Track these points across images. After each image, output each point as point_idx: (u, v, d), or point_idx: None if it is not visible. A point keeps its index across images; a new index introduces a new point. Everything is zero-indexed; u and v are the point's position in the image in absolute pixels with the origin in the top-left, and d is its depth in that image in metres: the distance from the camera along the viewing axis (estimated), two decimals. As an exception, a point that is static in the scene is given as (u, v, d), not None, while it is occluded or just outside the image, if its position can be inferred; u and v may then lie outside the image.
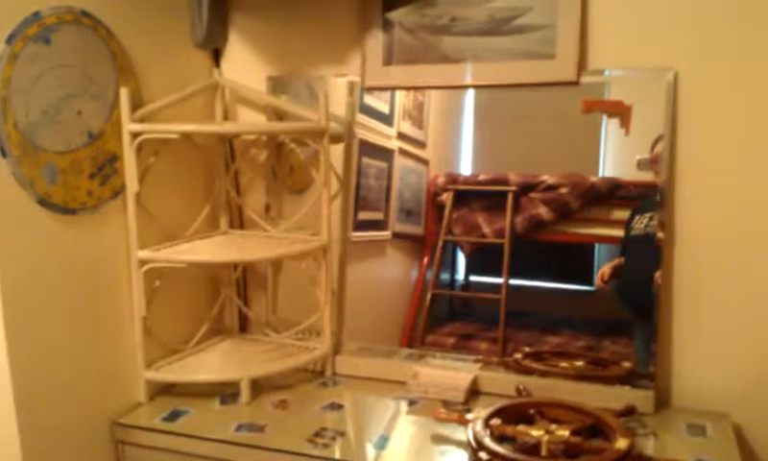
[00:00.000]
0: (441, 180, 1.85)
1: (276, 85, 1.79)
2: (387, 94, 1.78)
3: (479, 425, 1.33)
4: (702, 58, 1.45)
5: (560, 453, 1.26)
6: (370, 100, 1.77)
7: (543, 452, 1.27)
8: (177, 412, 1.52)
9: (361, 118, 1.76)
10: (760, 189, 1.44)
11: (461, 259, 1.90)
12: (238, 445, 1.39)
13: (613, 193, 1.64)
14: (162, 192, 1.61)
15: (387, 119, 1.81)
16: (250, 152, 1.83)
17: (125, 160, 1.50)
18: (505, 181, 1.77)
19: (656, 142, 1.52)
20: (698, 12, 1.44)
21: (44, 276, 1.33)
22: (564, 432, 1.30)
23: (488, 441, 1.27)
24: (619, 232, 1.63)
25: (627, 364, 1.56)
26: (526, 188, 1.74)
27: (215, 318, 1.83)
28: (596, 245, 1.74)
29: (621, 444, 1.24)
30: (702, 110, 1.46)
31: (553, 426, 1.33)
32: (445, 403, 1.53)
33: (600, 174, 1.67)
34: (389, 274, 1.93)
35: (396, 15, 1.66)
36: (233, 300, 1.86)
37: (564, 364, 1.60)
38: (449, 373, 1.62)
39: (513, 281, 1.77)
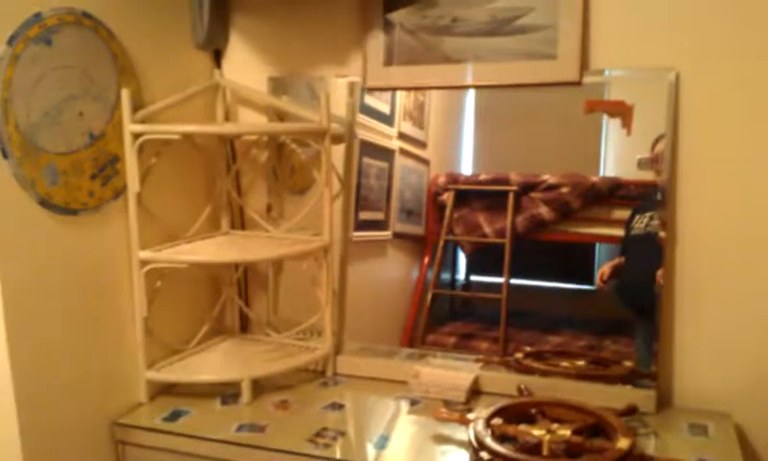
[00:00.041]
0: (441, 179, 1.85)
1: (277, 86, 1.79)
2: (387, 94, 1.78)
3: (480, 425, 1.33)
4: (703, 58, 1.45)
5: (561, 453, 1.26)
6: (370, 100, 1.77)
7: (545, 452, 1.26)
8: (177, 412, 1.52)
9: (362, 118, 1.76)
10: (761, 189, 1.44)
11: (461, 259, 1.91)
12: (239, 445, 1.39)
13: (614, 193, 1.64)
14: (163, 193, 1.61)
15: (388, 119, 1.81)
16: (251, 152, 1.83)
17: (126, 161, 1.50)
18: (506, 181, 1.77)
19: (656, 141, 1.52)
20: (699, 13, 1.44)
21: (45, 276, 1.33)
22: (565, 432, 1.30)
23: (489, 441, 1.27)
24: (620, 232, 1.63)
25: (628, 363, 1.56)
26: (527, 188, 1.75)
27: (216, 318, 1.83)
28: (597, 244, 1.74)
29: (623, 443, 1.24)
30: (703, 110, 1.46)
31: (554, 426, 1.33)
32: (447, 403, 1.53)
33: (601, 173, 1.67)
34: (390, 274, 1.93)
35: (396, 16, 1.66)
36: (234, 300, 1.86)
37: (565, 364, 1.60)
38: (450, 372, 1.62)
39: (513, 281, 1.77)
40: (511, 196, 1.76)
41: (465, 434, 1.36)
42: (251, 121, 1.84)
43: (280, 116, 1.79)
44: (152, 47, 1.58)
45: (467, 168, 1.86)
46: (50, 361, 1.35)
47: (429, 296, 1.84)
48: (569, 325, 1.78)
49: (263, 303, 1.87)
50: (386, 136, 1.82)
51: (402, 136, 1.84)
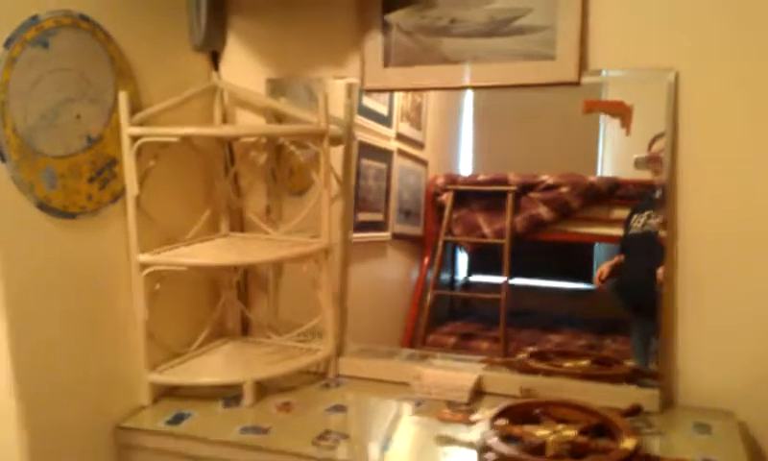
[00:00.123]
0: (440, 180, 1.85)
1: (276, 88, 1.79)
2: (385, 96, 1.78)
3: (485, 426, 1.33)
4: (702, 58, 1.45)
5: (566, 453, 1.26)
6: (368, 102, 1.76)
7: (550, 453, 1.26)
8: (180, 415, 1.52)
9: (360, 120, 1.76)
10: (762, 187, 1.44)
11: (461, 259, 1.91)
12: (243, 447, 1.38)
13: (613, 192, 1.65)
14: (162, 195, 1.61)
15: (386, 121, 1.81)
16: (249, 154, 1.82)
17: (124, 164, 1.49)
18: (505, 182, 1.77)
19: (653, 141, 1.52)
20: (698, 13, 1.44)
21: (46, 280, 1.32)
22: (570, 432, 1.30)
23: (494, 441, 1.27)
24: (619, 231, 1.64)
25: (631, 363, 1.56)
26: (526, 188, 1.75)
27: (217, 321, 1.82)
28: (596, 244, 1.74)
29: (628, 444, 1.24)
30: (702, 110, 1.46)
31: (559, 426, 1.33)
32: (449, 404, 1.53)
33: (599, 173, 1.68)
34: (389, 274, 1.93)
35: (394, 17, 1.66)
36: (235, 302, 1.85)
37: (568, 364, 1.60)
38: (453, 373, 1.61)
39: (513, 281, 1.77)
40: (510, 196, 1.76)
41: (468, 435, 1.36)
42: (249, 123, 1.83)
43: (278, 118, 1.78)
44: (149, 49, 1.57)
45: (465, 169, 1.86)
46: (52, 365, 1.34)
47: (429, 296, 1.84)
48: (569, 324, 1.78)
49: (264, 306, 1.86)
50: (384, 138, 1.82)
51: (400, 137, 1.84)
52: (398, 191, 1.86)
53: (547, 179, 1.73)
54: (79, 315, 1.41)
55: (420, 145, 1.88)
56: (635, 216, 1.60)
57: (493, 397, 1.56)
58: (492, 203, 1.79)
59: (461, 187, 1.83)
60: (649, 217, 1.55)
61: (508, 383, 1.57)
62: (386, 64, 1.68)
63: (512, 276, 1.77)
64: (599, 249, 1.74)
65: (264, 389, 1.61)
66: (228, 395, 1.59)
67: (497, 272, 1.78)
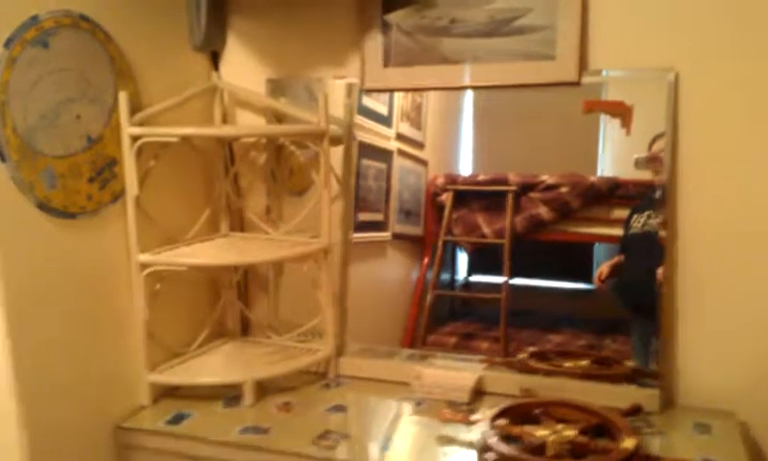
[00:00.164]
0: (440, 180, 1.85)
1: (276, 88, 1.78)
2: (385, 96, 1.78)
3: (485, 426, 1.33)
4: (702, 58, 1.45)
5: (566, 453, 1.26)
6: (368, 102, 1.76)
7: (550, 453, 1.26)
8: (180, 415, 1.52)
9: (360, 120, 1.76)
10: (762, 187, 1.44)
11: (461, 259, 1.91)
12: (243, 447, 1.38)
13: (613, 192, 1.65)
14: (162, 196, 1.61)
15: (385, 120, 1.81)
16: (249, 154, 1.82)
17: (125, 164, 1.49)
18: (504, 182, 1.77)
19: (653, 141, 1.52)
20: (698, 12, 1.44)
21: (46, 280, 1.32)
22: (570, 432, 1.30)
23: (494, 441, 1.27)
24: (619, 231, 1.64)
25: (631, 363, 1.56)
26: (526, 188, 1.75)
27: (217, 321, 1.82)
28: (596, 244, 1.74)
29: (628, 444, 1.24)
30: (703, 110, 1.46)
31: (559, 426, 1.33)
32: (450, 404, 1.53)
33: (598, 173, 1.68)
34: (389, 274, 1.93)
35: (394, 17, 1.66)
36: (235, 302, 1.85)
37: (568, 364, 1.60)
38: (453, 373, 1.61)
39: (513, 281, 1.77)
40: (510, 196, 1.76)
41: (468, 435, 1.36)
42: (249, 123, 1.83)
43: (279, 118, 1.78)
44: (149, 49, 1.57)
45: (465, 169, 1.86)
46: (52, 365, 1.34)
47: (429, 296, 1.84)
48: (569, 324, 1.78)
49: (264, 306, 1.86)
50: (384, 137, 1.82)
51: (400, 137, 1.84)
52: (398, 191, 1.86)
53: (547, 179, 1.73)
54: (79, 315, 1.41)
55: (420, 145, 1.88)
56: (635, 216, 1.60)
57: (494, 396, 1.56)
58: (491, 203, 1.79)
59: (461, 187, 1.83)
60: (649, 217, 1.55)
61: (508, 383, 1.57)
62: (386, 64, 1.68)
63: (512, 276, 1.77)
64: (599, 249, 1.74)
65: (264, 389, 1.61)
66: (229, 395, 1.58)
67: (497, 272, 1.78)
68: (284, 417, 1.50)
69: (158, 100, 1.58)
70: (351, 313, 1.76)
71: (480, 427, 1.34)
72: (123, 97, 1.47)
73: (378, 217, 1.86)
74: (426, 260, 1.86)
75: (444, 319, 1.88)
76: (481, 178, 1.82)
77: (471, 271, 1.92)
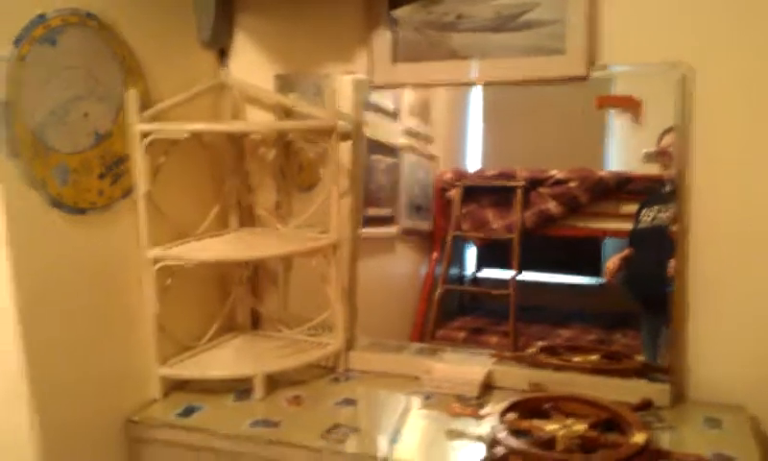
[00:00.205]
0: (449, 175, 1.85)
1: (284, 84, 1.79)
2: (394, 91, 1.78)
3: (494, 420, 1.33)
4: (713, 52, 1.44)
5: (576, 448, 1.25)
6: (376, 97, 1.76)
7: (559, 447, 1.26)
8: (191, 408, 1.53)
9: (368, 115, 1.76)
10: (773, 183, 1.44)
11: (469, 254, 1.90)
12: (253, 440, 1.39)
13: (622, 187, 1.64)
14: (172, 191, 1.61)
15: (394, 116, 1.81)
16: (258, 150, 1.83)
17: (135, 160, 1.50)
18: (513, 177, 1.77)
19: (662, 135, 1.52)
20: (708, 6, 1.43)
21: (57, 275, 1.33)
22: (580, 427, 1.30)
23: (503, 435, 1.27)
24: (628, 226, 1.63)
25: (641, 357, 1.56)
26: (535, 183, 1.74)
27: (227, 315, 1.83)
28: (605, 239, 1.73)
29: (638, 438, 1.24)
30: (714, 104, 1.45)
31: (569, 421, 1.33)
32: (459, 398, 1.53)
33: (607, 168, 1.67)
34: (398, 269, 1.93)
35: (401, 13, 1.66)
36: (245, 297, 1.85)
37: (578, 358, 1.60)
38: (463, 367, 1.61)
39: (522, 276, 1.76)
40: (518, 191, 1.75)
41: (477, 429, 1.36)
42: (258, 119, 1.83)
43: (287, 114, 1.79)
44: (157, 47, 1.57)
45: (474, 164, 1.86)
46: (63, 359, 1.35)
47: (438, 291, 1.84)
48: (578, 319, 1.78)
49: (274, 300, 1.87)
50: (393, 133, 1.82)
51: (409, 133, 1.83)
52: (407, 186, 1.87)
53: (556, 174, 1.72)
54: (90, 310, 1.41)
55: (428, 140, 1.88)
56: (644, 210, 1.60)
57: (503, 391, 1.56)
58: (500, 198, 1.79)
59: (470, 182, 1.83)
60: (659, 211, 1.55)
61: (517, 378, 1.57)
62: (394, 60, 1.68)
63: (521, 271, 1.77)
64: (608, 243, 1.73)
65: (274, 382, 1.61)
66: (239, 388, 1.59)
67: (506, 267, 1.78)
68: (294, 410, 1.51)
69: (167, 97, 1.59)
70: (361, 308, 1.77)
71: (489, 422, 1.35)
72: (133, 94, 1.48)
73: (387, 212, 1.86)
74: (435, 255, 1.86)
75: (452, 314, 1.88)
76: (490, 173, 1.82)
77: (480, 266, 1.92)
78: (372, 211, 1.81)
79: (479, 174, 1.84)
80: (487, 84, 1.70)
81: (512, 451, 1.23)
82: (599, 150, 1.68)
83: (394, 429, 1.42)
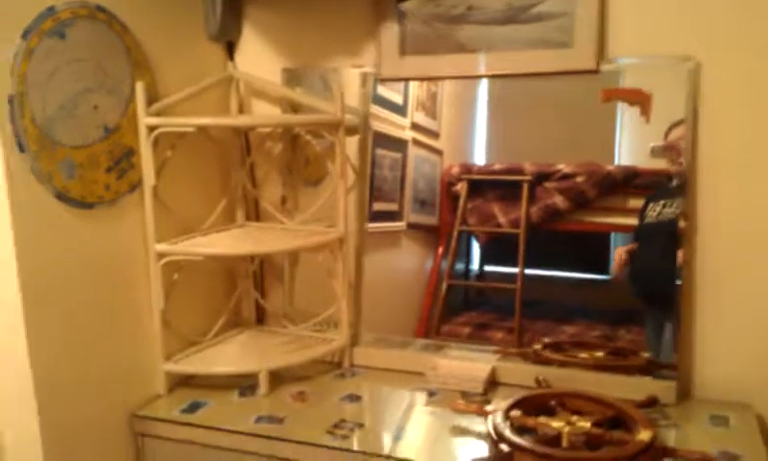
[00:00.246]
0: (455, 170, 1.84)
1: (291, 77, 1.78)
2: (400, 85, 1.78)
3: (499, 417, 1.33)
4: (724, 45, 1.43)
5: (581, 445, 1.25)
6: (383, 91, 1.76)
7: (564, 444, 1.26)
8: (196, 404, 1.53)
9: (375, 109, 1.75)
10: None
11: (475, 249, 1.90)
12: (258, 436, 1.39)
13: (630, 181, 1.63)
14: (179, 186, 1.61)
15: (401, 110, 1.81)
16: (265, 144, 1.83)
17: (142, 154, 1.50)
18: (520, 171, 1.76)
19: (670, 129, 1.51)
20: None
21: (63, 270, 1.34)
22: (585, 424, 1.30)
23: (508, 432, 1.27)
24: (635, 221, 1.62)
25: (646, 354, 1.55)
26: (541, 178, 1.74)
27: (232, 310, 1.83)
28: (612, 234, 1.73)
29: (644, 435, 1.23)
30: (724, 98, 1.44)
31: (574, 418, 1.32)
32: (464, 394, 1.53)
33: (615, 162, 1.66)
34: (404, 264, 1.93)
35: (410, 6, 1.65)
36: (250, 292, 1.86)
37: (583, 354, 1.59)
38: (468, 363, 1.61)
39: (528, 271, 1.76)
40: (525, 186, 1.75)
41: (482, 425, 1.36)
42: (265, 113, 1.83)
43: (294, 108, 1.78)
44: (165, 40, 1.57)
45: (480, 158, 1.85)
46: (68, 354, 1.35)
47: (444, 286, 1.84)
48: (583, 314, 1.77)
49: (279, 295, 1.86)
50: (399, 127, 1.82)
51: (415, 127, 1.83)
52: (413, 181, 1.86)
53: (563, 168, 1.71)
54: (96, 305, 1.42)
55: (435, 134, 1.87)
56: (650, 205, 1.59)
57: (508, 387, 1.56)
58: (507, 192, 1.78)
59: (476, 177, 1.82)
60: (664, 206, 1.54)
61: (522, 374, 1.57)
62: (402, 53, 1.68)
63: (527, 266, 1.76)
64: (615, 239, 1.72)
65: (279, 378, 1.62)
66: (244, 384, 1.59)
67: (512, 262, 1.77)
68: (299, 406, 1.51)
69: (175, 90, 1.58)
70: (366, 303, 1.77)
71: (494, 418, 1.34)
72: (140, 87, 1.48)
73: (393, 207, 1.85)
74: (441, 250, 1.86)
75: (458, 309, 1.87)
76: (496, 167, 1.81)
77: (485, 261, 1.91)
78: (379, 206, 1.81)
79: (486, 168, 1.83)
80: (495, 77, 1.68)
81: (517, 448, 1.23)
82: (607, 144, 1.67)
83: (398, 426, 1.42)
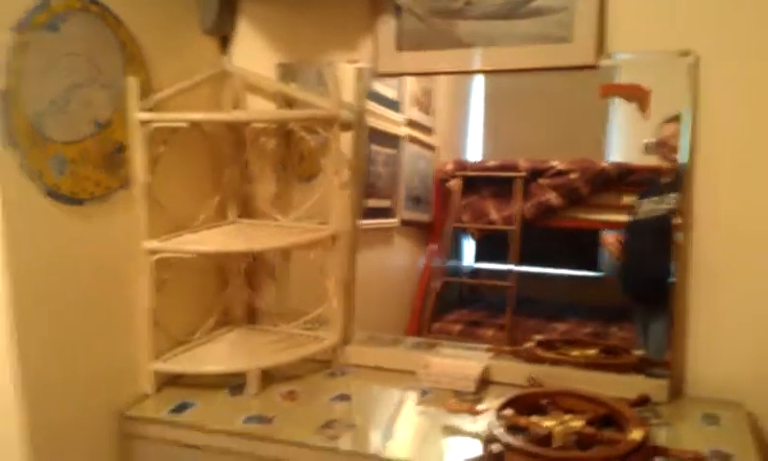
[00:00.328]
0: (449, 166, 1.84)
1: (286, 73, 1.77)
2: (395, 80, 1.77)
3: (491, 416, 1.32)
4: (723, 40, 1.43)
5: (573, 444, 1.25)
6: (378, 86, 1.75)
7: (556, 443, 1.25)
8: (184, 404, 1.51)
9: (370, 105, 1.74)
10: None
11: (468, 246, 1.90)
12: (247, 436, 1.38)
13: (624, 178, 1.63)
14: (171, 182, 1.60)
15: (395, 106, 1.80)
16: (259, 140, 1.81)
17: (134, 150, 1.48)
18: (514, 167, 1.76)
19: (662, 125, 1.51)
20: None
21: (52, 268, 1.32)
22: (577, 423, 1.29)
23: (500, 432, 1.27)
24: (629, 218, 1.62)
25: (638, 352, 1.55)
26: (535, 174, 1.74)
27: (223, 308, 1.82)
28: (605, 231, 1.72)
29: (636, 435, 1.23)
30: (723, 93, 1.44)
31: (566, 417, 1.32)
32: (456, 393, 1.52)
33: (608, 159, 1.66)
34: (397, 261, 1.93)
35: (407, 0, 1.64)
36: (242, 290, 1.85)
37: (575, 353, 1.59)
38: (460, 362, 1.61)
39: (521, 268, 1.76)
40: (519, 182, 1.74)
41: (474, 425, 1.36)
42: (259, 108, 1.82)
43: (289, 103, 1.77)
44: (159, 34, 1.56)
45: (474, 154, 1.85)
46: (56, 352, 1.34)
47: (436, 283, 1.83)
48: (575, 312, 1.78)
49: (270, 293, 1.86)
50: (394, 123, 1.81)
51: (410, 123, 1.82)
52: (408, 177, 1.85)
53: (557, 164, 1.71)
54: (85, 303, 1.40)
55: (429, 130, 1.87)
56: (642, 201, 1.59)
57: (500, 386, 1.56)
58: (501, 189, 1.78)
59: (470, 173, 1.82)
60: (656, 203, 1.54)
61: (515, 372, 1.57)
62: (399, 48, 1.66)
63: (520, 263, 1.76)
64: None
65: (270, 377, 1.60)
66: (233, 383, 1.58)
67: (505, 259, 1.77)
68: (289, 406, 1.50)
69: (168, 85, 1.57)
70: (358, 301, 1.76)
71: (486, 418, 1.34)
72: (133, 82, 1.47)
73: (387, 203, 1.85)
74: (434, 247, 1.85)
75: (450, 306, 1.87)
76: (490, 163, 1.81)
77: (479, 258, 1.91)
78: (372, 202, 1.81)
79: (480, 165, 1.82)
80: (492, 73, 1.67)
81: (509, 448, 1.22)
82: (601, 140, 1.67)
83: (389, 426, 1.41)
